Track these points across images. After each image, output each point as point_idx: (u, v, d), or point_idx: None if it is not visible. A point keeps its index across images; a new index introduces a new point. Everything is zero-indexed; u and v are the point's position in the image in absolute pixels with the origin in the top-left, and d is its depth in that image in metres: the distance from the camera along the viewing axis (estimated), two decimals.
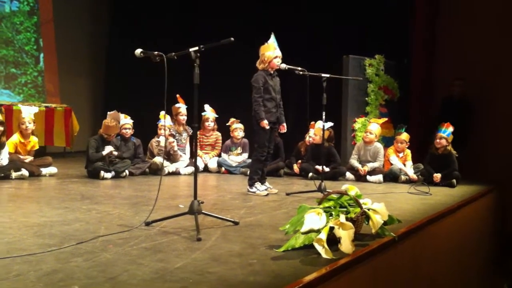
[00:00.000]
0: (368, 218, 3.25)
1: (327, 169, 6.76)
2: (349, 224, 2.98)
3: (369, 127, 7.18)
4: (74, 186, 5.78)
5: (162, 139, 7.33)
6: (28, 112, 6.71)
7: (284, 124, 5.62)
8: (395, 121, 7.93)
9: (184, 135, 7.65)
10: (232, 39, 3.60)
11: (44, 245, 2.96)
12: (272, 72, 5.42)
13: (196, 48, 3.59)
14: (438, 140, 6.72)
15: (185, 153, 7.62)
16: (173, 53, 3.65)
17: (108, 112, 6.89)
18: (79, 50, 11.06)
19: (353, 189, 3.44)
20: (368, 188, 6.20)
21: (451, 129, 6.69)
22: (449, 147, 6.72)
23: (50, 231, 3.35)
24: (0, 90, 9.76)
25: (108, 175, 6.48)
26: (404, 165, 7.01)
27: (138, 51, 3.66)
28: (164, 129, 7.21)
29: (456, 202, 5.20)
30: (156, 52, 3.63)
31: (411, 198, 5.46)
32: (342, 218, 3.04)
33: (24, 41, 10.23)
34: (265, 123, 5.31)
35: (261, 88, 5.34)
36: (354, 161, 7.13)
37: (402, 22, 8.49)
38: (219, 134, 8.10)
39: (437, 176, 6.57)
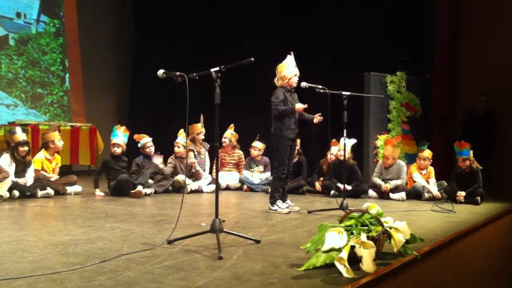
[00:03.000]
0: (390, 236, 3.23)
1: (349, 187, 6.73)
2: (371, 243, 2.97)
3: (384, 153, 7.12)
4: (98, 204, 5.86)
5: (171, 161, 7.44)
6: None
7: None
8: (418, 138, 7.87)
9: (203, 150, 7.72)
10: (252, 59, 3.63)
11: (68, 264, 3.00)
12: (290, 89, 5.46)
13: (217, 68, 3.64)
14: (462, 163, 6.59)
15: (204, 170, 7.66)
16: (195, 74, 3.71)
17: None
18: (104, 70, 11.26)
19: (374, 207, 3.43)
20: (391, 205, 6.15)
21: (468, 147, 6.53)
22: (474, 164, 6.59)
23: (75, 250, 3.40)
24: (27, 109, 10.00)
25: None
26: (428, 182, 6.92)
27: (160, 72, 3.73)
28: (186, 148, 7.27)
29: (480, 220, 5.11)
30: (178, 73, 3.69)
31: (435, 216, 5.40)
32: (363, 236, 3.03)
33: (50, 61, 10.47)
34: (298, 106, 5.33)
35: (282, 102, 5.36)
36: (376, 179, 7.07)
37: (424, 37, 8.47)
38: (241, 152, 8.12)
39: (461, 194, 6.45)
